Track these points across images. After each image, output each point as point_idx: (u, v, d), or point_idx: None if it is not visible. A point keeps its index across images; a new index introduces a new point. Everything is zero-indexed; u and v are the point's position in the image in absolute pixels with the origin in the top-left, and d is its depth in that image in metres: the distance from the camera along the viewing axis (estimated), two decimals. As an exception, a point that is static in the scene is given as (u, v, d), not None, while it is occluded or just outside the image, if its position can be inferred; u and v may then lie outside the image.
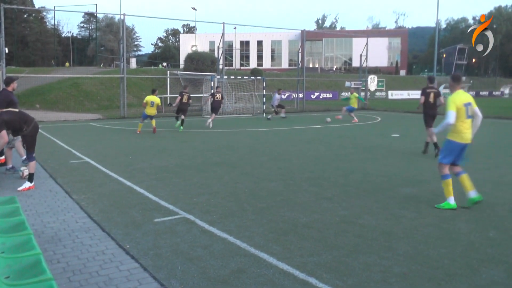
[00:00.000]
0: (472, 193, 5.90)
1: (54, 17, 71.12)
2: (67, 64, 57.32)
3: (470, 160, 9.91)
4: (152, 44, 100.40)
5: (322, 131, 16.17)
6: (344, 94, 47.11)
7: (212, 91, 20.44)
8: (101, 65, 56.44)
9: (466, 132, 5.91)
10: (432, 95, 10.69)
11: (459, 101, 5.84)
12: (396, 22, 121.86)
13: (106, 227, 5.13)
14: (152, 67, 58.98)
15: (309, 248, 4.49)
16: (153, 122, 15.39)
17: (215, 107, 17.80)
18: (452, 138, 5.97)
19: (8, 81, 8.03)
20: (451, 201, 5.92)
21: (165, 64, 67.57)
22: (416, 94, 54.20)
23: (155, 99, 15.27)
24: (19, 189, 6.81)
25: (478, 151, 11.48)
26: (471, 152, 11.14)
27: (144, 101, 15.25)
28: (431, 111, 10.65)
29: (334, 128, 17.31)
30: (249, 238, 4.76)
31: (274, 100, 21.89)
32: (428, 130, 10.77)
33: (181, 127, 16.18)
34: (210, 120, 17.70)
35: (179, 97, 15.92)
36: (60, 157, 10.15)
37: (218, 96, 17.81)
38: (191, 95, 16.95)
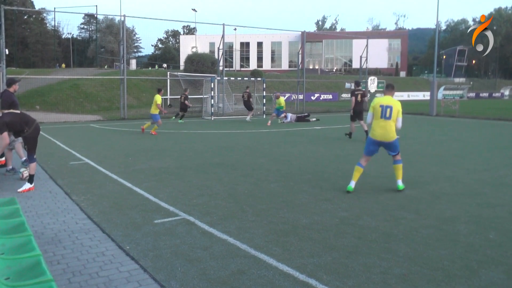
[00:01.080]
0: (399, 182, 6.95)
1: (54, 18, 71.39)
2: (63, 65, 57.17)
3: (468, 161, 9.95)
4: (152, 45, 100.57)
5: (322, 132, 16.17)
6: (344, 95, 47.18)
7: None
8: (106, 67, 56.47)
9: (376, 130, 6.82)
10: (359, 95, 13.93)
11: (377, 103, 6.86)
12: (396, 23, 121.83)
13: (106, 228, 5.14)
14: (150, 68, 59.11)
15: (309, 250, 4.49)
16: (150, 125, 15.42)
17: (246, 106, 21.71)
18: (369, 133, 7.07)
19: (10, 82, 8.06)
20: (351, 183, 6.94)
21: (164, 65, 67.64)
22: (415, 96, 54.40)
23: (155, 97, 15.34)
24: (19, 190, 6.81)
25: (478, 152, 11.49)
26: (471, 153, 11.19)
27: None
28: (358, 107, 13.86)
29: (333, 130, 17.31)
30: (249, 240, 4.76)
31: (288, 118, 21.30)
32: (352, 123, 14.22)
33: (180, 120, 20.80)
34: (248, 117, 21.58)
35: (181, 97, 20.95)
36: (60, 158, 10.15)
37: (245, 96, 21.54)
38: (188, 96, 21.50)
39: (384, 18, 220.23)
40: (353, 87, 14.36)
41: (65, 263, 4.14)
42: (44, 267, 2.84)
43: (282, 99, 20.16)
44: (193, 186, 7.28)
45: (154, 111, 15.16)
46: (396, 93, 51.48)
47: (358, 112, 13.87)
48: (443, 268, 4.06)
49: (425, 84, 61.92)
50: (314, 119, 21.82)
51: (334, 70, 77.31)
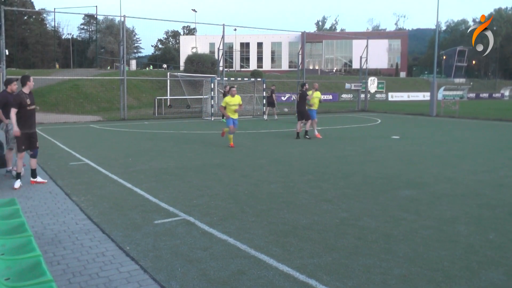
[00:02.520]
0: None
1: (54, 19, 71.41)
2: (57, 66, 56.92)
3: (469, 162, 9.95)
4: (152, 46, 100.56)
5: (322, 132, 16.16)
6: (344, 96, 47.17)
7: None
8: (108, 68, 56.43)
9: None
10: (299, 96, 14.90)
11: None
12: (396, 24, 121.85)
13: (106, 229, 5.14)
14: (147, 69, 59.22)
15: (309, 250, 4.49)
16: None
17: (268, 102, 23.52)
18: None
19: (6, 83, 8.04)
20: None
21: (164, 66, 67.70)
22: (415, 96, 54.38)
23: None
24: (39, 180, 7.42)
25: (478, 153, 11.49)
26: (471, 154, 11.19)
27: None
28: (301, 108, 14.61)
29: (334, 130, 17.33)
30: (249, 240, 4.76)
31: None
32: (299, 123, 14.76)
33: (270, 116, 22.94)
34: (265, 114, 23.42)
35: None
36: (60, 159, 10.15)
37: (268, 92, 23.60)
38: (274, 91, 23.56)
39: (384, 18, 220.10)
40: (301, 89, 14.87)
41: (65, 264, 4.15)
42: (44, 267, 2.84)
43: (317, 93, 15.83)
44: (193, 187, 7.28)
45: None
46: (396, 94, 51.59)
47: (300, 112, 14.58)
48: (443, 269, 4.06)
49: (425, 84, 61.93)
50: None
51: (334, 71, 77.27)
